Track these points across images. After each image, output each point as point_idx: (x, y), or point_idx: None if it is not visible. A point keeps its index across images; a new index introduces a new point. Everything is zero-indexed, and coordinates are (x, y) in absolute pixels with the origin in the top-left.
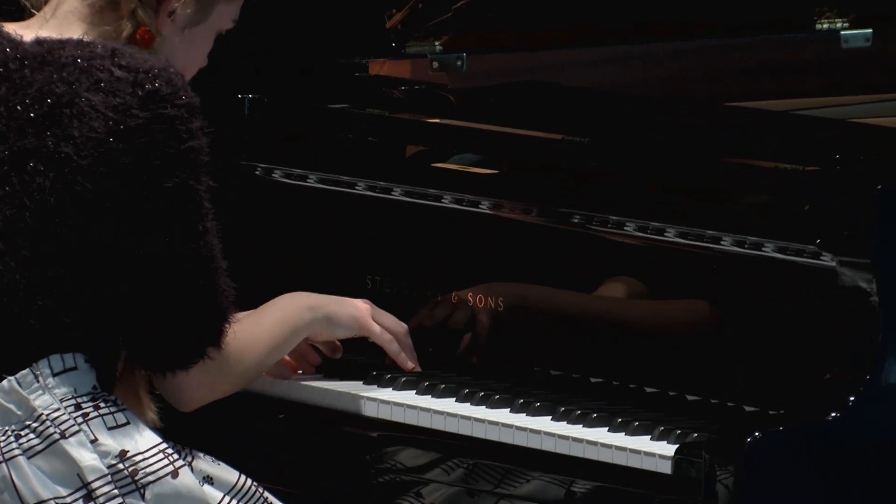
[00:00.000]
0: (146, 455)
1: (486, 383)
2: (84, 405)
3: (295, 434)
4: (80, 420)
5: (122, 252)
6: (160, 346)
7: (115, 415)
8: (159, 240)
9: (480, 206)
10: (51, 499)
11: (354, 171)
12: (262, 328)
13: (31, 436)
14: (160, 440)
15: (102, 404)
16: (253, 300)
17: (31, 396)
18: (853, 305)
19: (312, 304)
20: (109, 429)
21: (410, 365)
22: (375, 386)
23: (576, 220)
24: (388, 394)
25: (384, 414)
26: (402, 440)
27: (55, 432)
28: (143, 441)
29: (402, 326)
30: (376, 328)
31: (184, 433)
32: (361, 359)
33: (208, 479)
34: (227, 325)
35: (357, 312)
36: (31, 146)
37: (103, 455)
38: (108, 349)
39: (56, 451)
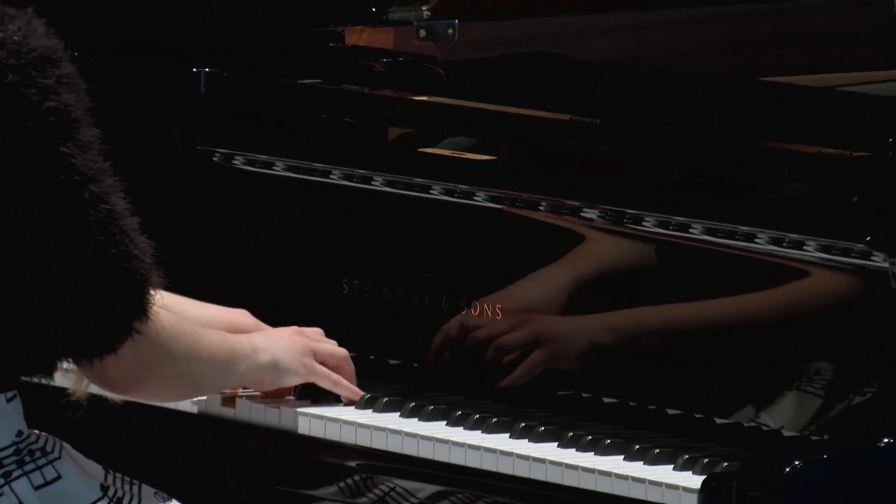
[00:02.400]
0: None
1: (481, 404)
2: (6, 462)
3: (261, 463)
4: (1, 482)
5: (4, 250)
6: (81, 333)
7: (42, 469)
8: (42, 223)
9: (475, 198)
10: None
11: (328, 158)
12: (204, 332)
13: None
14: (99, 495)
15: (28, 458)
16: None
17: None
18: None
19: (256, 345)
20: (37, 488)
21: (361, 393)
22: (353, 408)
23: (586, 215)
24: (368, 416)
25: (363, 440)
26: (384, 470)
27: None
28: (78, 498)
29: (342, 353)
30: (322, 371)
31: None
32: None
33: None
34: (151, 293)
35: (305, 358)
36: None
37: None
38: (35, 371)
39: None
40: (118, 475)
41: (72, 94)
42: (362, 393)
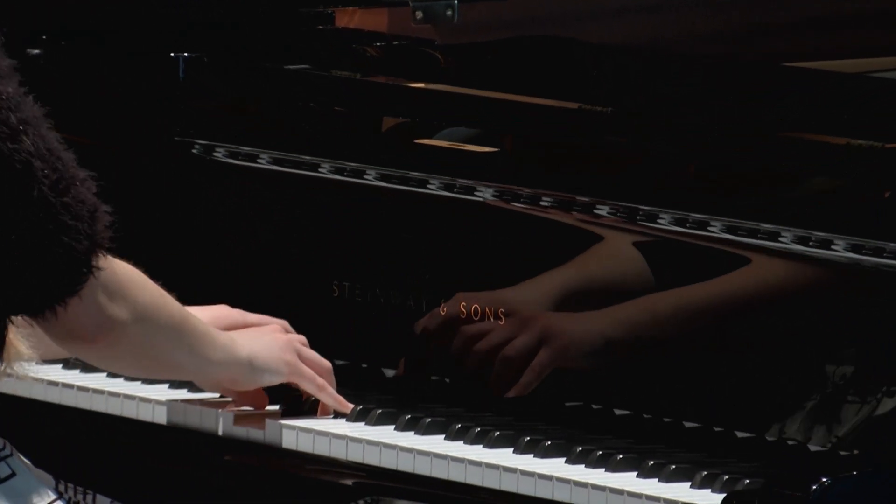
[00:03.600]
0: None
1: (483, 416)
2: None
3: (243, 479)
4: None
5: None
6: (39, 277)
7: None
8: None
9: (476, 194)
10: None
11: (317, 150)
12: (174, 301)
13: None
14: (54, 496)
15: None
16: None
17: None
18: None
19: (234, 338)
20: None
21: (347, 404)
22: (344, 420)
23: (596, 212)
24: (360, 430)
25: (355, 455)
26: (378, 488)
27: None
28: (34, 498)
29: (326, 365)
30: (307, 372)
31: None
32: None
33: None
34: (104, 223)
35: (287, 355)
36: None
37: None
38: None
39: None
40: (70, 485)
41: None
42: (349, 404)
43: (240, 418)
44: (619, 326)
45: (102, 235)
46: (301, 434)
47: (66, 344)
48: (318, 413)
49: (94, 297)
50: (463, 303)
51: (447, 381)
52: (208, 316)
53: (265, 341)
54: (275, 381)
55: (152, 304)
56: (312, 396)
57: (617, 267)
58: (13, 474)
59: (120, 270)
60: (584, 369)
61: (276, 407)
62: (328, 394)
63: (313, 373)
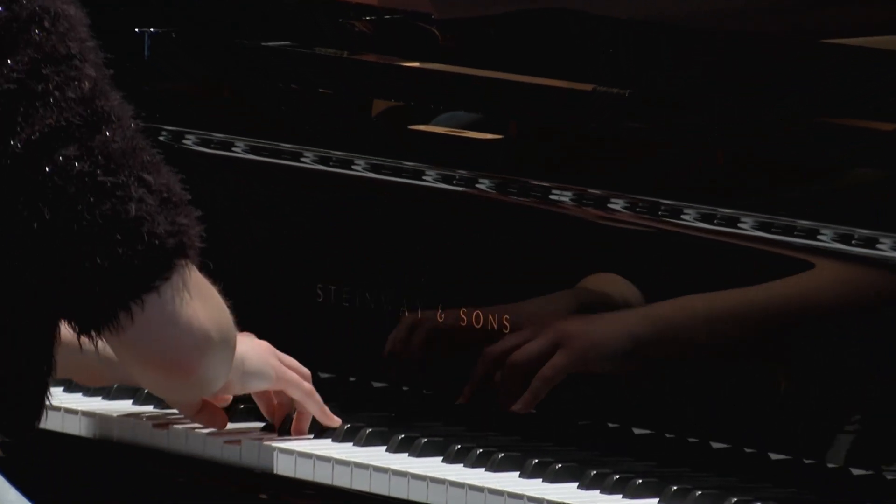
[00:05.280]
0: None
1: (485, 436)
2: None
3: None
4: None
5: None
6: (105, 261)
7: None
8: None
9: (478, 186)
10: None
11: (299, 137)
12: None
13: None
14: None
15: None
16: None
17: None
18: None
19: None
20: None
21: (338, 420)
22: (329, 440)
23: (612, 206)
24: (347, 451)
25: (342, 480)
26: None
27: None
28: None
29: (305, 371)
30: (293, 377)
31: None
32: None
33: None
34: (193, 221)
35: (273, 360)
36: None
37: None
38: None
39: None
40: None
41: None
42: (337, 419)
43: (214, 436)
44: (639, 334)
45: (193, 234)
46: (282, 455)
47: (156, 376)
48: (293, 431)
49: (182, 305)
50: (463, 309)
51: (445, 396)
52: None
53: (251, 344)
54: (262, 386)
55: (229, 324)
56: (293, 412)
57: (635, 266)
58: None
59: (206, 282)
60: (601, 380)
61: (256, 424)
62: (316, 402)
63: (299, 379)
